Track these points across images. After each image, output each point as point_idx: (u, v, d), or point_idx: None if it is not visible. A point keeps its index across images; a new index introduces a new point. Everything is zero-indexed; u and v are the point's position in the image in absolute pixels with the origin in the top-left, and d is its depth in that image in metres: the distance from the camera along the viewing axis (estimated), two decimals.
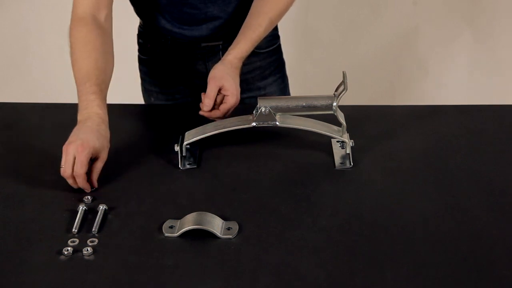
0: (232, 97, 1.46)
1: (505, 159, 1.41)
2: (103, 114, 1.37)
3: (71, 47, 1.46)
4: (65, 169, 1.29)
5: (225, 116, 1.46)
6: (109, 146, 1.35)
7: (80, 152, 1.28)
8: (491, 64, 2.89)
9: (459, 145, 1.47)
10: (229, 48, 1.53)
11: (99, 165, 1.32)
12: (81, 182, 1.30)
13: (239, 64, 1.51)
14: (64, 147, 1.30)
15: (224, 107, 1.46)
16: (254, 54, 1.68)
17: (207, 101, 1.45)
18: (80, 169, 1.28)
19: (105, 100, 1.39)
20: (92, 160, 1.32)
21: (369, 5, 2.86)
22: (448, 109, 1.62)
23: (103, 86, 1.41)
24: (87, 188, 1.31)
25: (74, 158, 1.28)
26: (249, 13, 1.56)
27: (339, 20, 2.90)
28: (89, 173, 1.31)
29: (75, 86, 1.41)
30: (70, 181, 1.30)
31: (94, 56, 1.42)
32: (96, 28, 1.47)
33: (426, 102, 2.69)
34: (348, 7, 2.87)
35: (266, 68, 1.73)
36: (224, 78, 1.45)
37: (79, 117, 1.37)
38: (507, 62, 2.89)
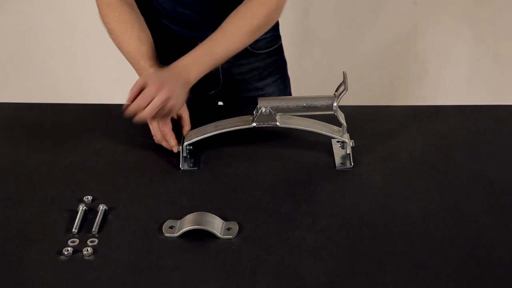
0: (149, 92, 1.34)
1: (505, 159, 1.41)
2: None
3: (111, 32, 1.55)
4: (156, 136, 1.42)
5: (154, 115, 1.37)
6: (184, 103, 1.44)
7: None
8: (491, 64, 2.89)
9: (459, 145, 1.47)
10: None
11: (185, 117, 1.44)
12: (170, 138, 1.41)
13: (183, 71, 1.41)
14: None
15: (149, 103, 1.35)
16: (252, 55, 1.68)
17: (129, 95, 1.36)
18: (166, 128, 1.41)
19: (160, 65, 1.49)
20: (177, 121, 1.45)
21: (369, 5, 2.86)
22: (448, 109, 1.62)
23: (154, 56, 1.51)
24: (175, 146, 1.41)
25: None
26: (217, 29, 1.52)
27: (339, 20, 2.90)
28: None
29: (131, 66, 1.53)
30: (164, 144, 1.42)
31: (136, 33, 1.52)
32: (125, 6, 1.54)
33: (426, 102, 2.69)
34: (348, 7, 2.87)
35: (265, 69, 1.73)
36: (150, 76, 1.38)
37: None
38: (507, 62, 2.89)
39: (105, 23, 1.55)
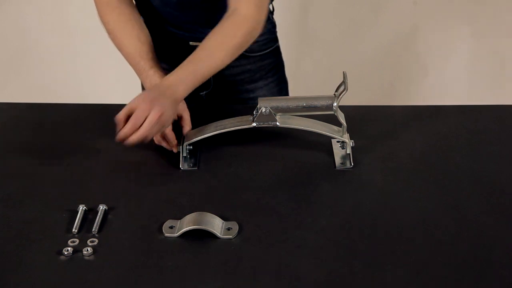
0: (142, 113, 1.33)
1: (505, 159, 1.41)
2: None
3: (110, 32, 1.55)
4: (156, 137, 1.42)
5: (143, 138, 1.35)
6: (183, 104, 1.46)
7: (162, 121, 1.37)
8: (491, 64, 2.89)
9: (459, 145, 1.47)
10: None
11: (186, 117, 1.45)
12: (170, 138, 1.42)
13: (168, 91, 1.38)
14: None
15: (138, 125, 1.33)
16: (244, 57, 1.67)
17: (117, 119, 1.35)
18: (166, 129, 1.41)
19: (160, 66, 1.51)
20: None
21: (369, 5, 2.86)
22: (448, 109, 1.62)
23: (154, 57, 1.52)
24: (175, 146, 1.43)
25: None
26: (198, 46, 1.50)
27: (339, 20, 2.90)
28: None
29: (130, 66, 1.53)
30: (164, 144, 1.43)
31: (135, 34, 1.53)
32: (125, 6, 1.54)
33: (426, 102, 2.70)
34: (348, 7, 2.87)
35: (256, 71, 1.71)
36: (137, 98, 1.36)
37: None
38: (507, 62, 2.89)
39: (104, 23, 1.55)
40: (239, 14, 1.47)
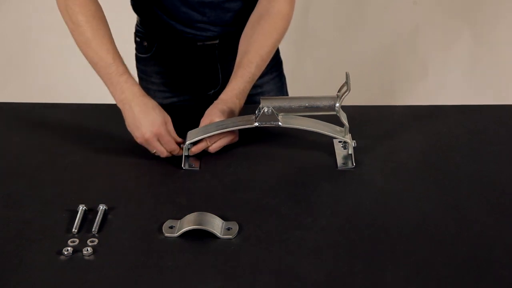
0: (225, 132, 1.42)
1: (505, 159, 1.41)
2: (139, 89, 1.43)
3: (75, 28, 1.43)
4: (162, 153, 1.40)
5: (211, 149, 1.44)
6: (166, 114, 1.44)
7: (163, 136, 1.39)
8: (491, 64, 2.89)
9: (459, 145, 1.47)
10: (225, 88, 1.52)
11: (170, 128, 1.41)
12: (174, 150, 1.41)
13: (235, 100, 1.47)
14: (145, 140, 1.39)
15: (217, 143, 1.43)
16: None
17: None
18: (171, 146, 1.40)
19: (128, 71, 1.44)
20: None
21: (369, 5, 2.86)
22: (448, 109, 1.62)
23: (122, 61, 1.43)
24: (177, 149, 1.41)
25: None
26: (238, 52, 1.55)
27: (339, 20, 2.90)
28: None
29: (95, 68, 1.44)
30: (175, 153, 1.42)
31: (103, 32, 1.43)
32: (93, 2, 1.45)
33: (426, 102, 2.69)
34: (348, 7, 2.87)
35: None
36: (214, 115, 1.43)
37: (119, 100, 1.41)
38: (507, 62, 2.89)
39: (71, 15, 1.43)
40: (275, 13, 1.54)
